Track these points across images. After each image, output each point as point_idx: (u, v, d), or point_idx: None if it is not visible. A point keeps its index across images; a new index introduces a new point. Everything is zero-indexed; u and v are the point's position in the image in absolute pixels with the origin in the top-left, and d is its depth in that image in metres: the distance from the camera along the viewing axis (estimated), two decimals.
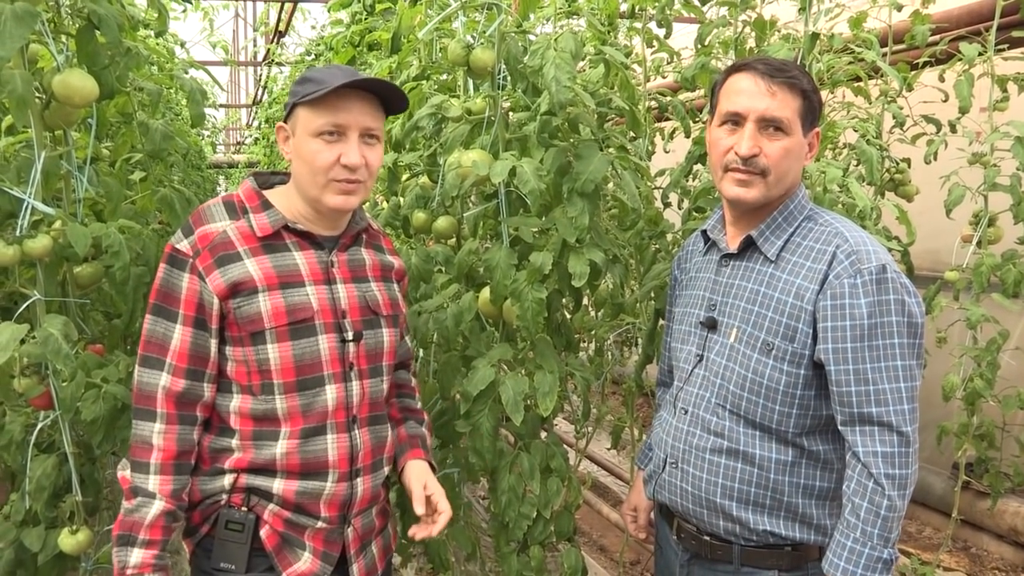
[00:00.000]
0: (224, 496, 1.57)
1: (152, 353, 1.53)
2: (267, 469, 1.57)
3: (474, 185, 1.90)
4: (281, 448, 1.56)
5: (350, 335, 1.61)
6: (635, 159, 2.03)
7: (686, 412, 1.69)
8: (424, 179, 2.30)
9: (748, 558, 1.62)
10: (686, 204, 2.76)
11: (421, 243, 2.34)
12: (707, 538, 1.66)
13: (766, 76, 1.55)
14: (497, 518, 1.97)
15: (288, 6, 5.68)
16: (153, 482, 1.50)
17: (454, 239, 2.25)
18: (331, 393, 1.59)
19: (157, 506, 1.49)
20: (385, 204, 2.56)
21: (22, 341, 1.63)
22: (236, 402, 1.57)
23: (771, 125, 1.55)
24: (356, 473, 1.63)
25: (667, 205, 3.03)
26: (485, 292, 1.96)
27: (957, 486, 3.14)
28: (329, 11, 4.09)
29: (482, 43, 1.92)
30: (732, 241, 1.69)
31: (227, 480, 1.57)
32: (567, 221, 1.84)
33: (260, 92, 10.37)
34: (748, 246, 1.65)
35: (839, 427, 1.52)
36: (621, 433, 3.45)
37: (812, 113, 1.59)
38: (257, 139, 10.42)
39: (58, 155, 1.82)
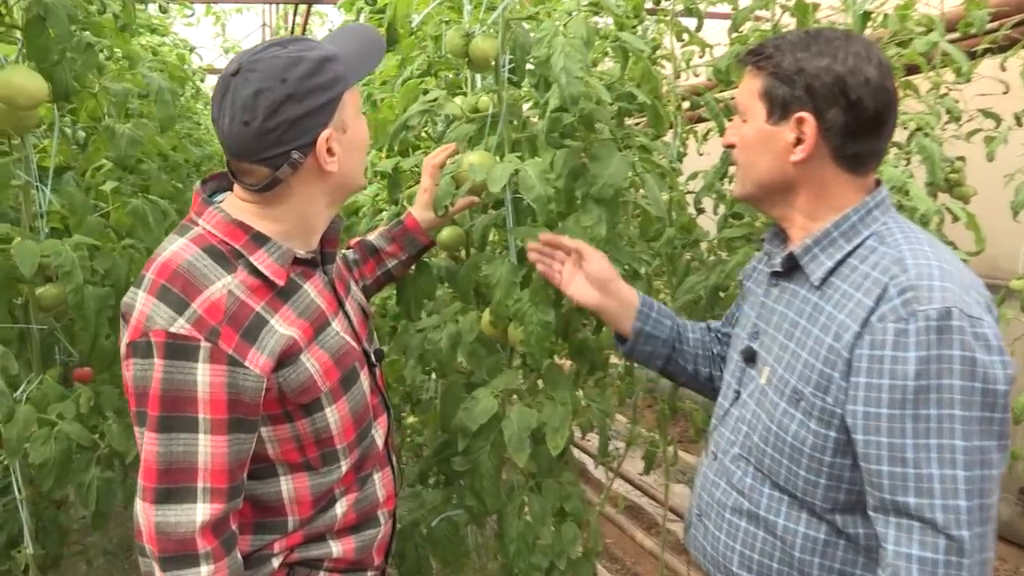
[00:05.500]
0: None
1: (172, 484, 1.11)
2: (322, 536, 1.30)
3: (473, 192, 1.67)
4: (340, 509, 1.31)
5: (373, 358, 1.37)
6: (659, 160, 1.77)
7: (715, 458, 1.40)
8: None
9: None
10: (722, 209, 2.53)
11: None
12: None
13: (743, 62, 1.31)
14: (506, 568, 1.74)
15: (302, 9, 5.56)
16: None
17: (462, 251, 2.04)
18: (379, 431, 1.37)
19: None
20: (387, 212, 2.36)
21: None
22: (288, 486, 1.26)
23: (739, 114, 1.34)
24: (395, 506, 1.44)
25: (700, 211, 2.78)
26: (488, 313, 1.73)
27: None
28: (340, 9, 3.96)
29: (484, 31, 1.69)
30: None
31: (275, 562, 1.27)
32: (581, 231, 1.60)
33: None
34: (795, 265, 1.31)
35: (870, 512, 1.16)
36: (654, 458, 3.20)
37: (791, 96, 1.23)
38: None
39: (9, 162, 1.63)
